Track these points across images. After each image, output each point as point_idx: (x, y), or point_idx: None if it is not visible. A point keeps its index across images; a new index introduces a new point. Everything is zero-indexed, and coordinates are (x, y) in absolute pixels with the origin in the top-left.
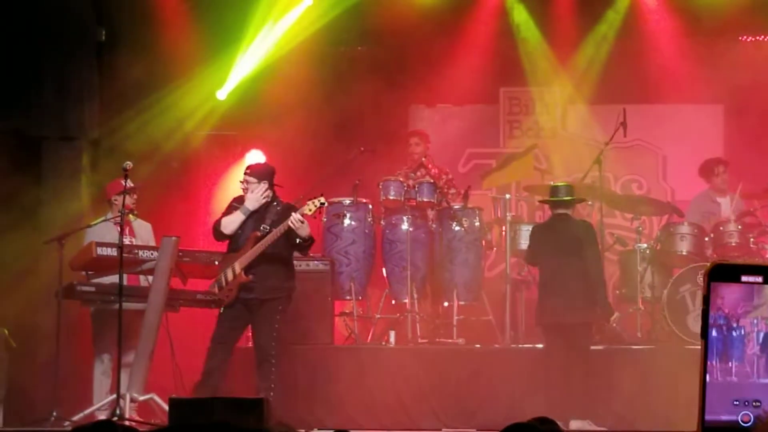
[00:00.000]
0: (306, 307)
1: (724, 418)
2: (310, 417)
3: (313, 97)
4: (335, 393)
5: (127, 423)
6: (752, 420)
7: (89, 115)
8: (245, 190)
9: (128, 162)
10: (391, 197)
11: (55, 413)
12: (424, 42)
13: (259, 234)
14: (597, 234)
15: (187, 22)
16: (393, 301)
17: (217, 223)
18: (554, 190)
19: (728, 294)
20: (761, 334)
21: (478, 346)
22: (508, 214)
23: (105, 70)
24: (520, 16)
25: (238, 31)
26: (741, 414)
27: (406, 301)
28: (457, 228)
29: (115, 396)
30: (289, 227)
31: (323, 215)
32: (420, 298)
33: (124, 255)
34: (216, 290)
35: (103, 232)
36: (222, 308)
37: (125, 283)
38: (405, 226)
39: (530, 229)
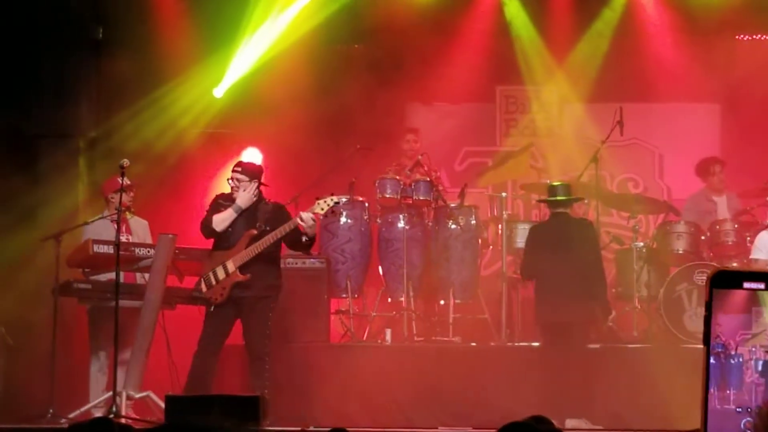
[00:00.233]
0: (302, 305)
1: None
2: (305, 415)
3: (310, 95)
4: (331, 391)
5: (123, 420)
6: None
7: (86, 113)
8: (235, 187)
9: (125, 159)
10: (388, 195)
11: (51, 410)
12: (421, 40)
13: (255, 232)
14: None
15: (184, 20)
16: (389, 299)
17: (207, 220)
18: (552, 189)
19: (726, 322)
20: (759, 362)
21: (474, 344)
22: (504, 212)
23: (102, 68)
24: (516, 14)
25: (234, 29)
26: None
27: (402, 299)
28: (453, 226)
29: (111, 393)
30: (296, 226)
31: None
32: (416, 297)
33: (121, 252)
34: (203, 289)
35: (99, 230)
36: (212, 307)
37: (122, 280)
38: (401, 224)
39: (526, 227)
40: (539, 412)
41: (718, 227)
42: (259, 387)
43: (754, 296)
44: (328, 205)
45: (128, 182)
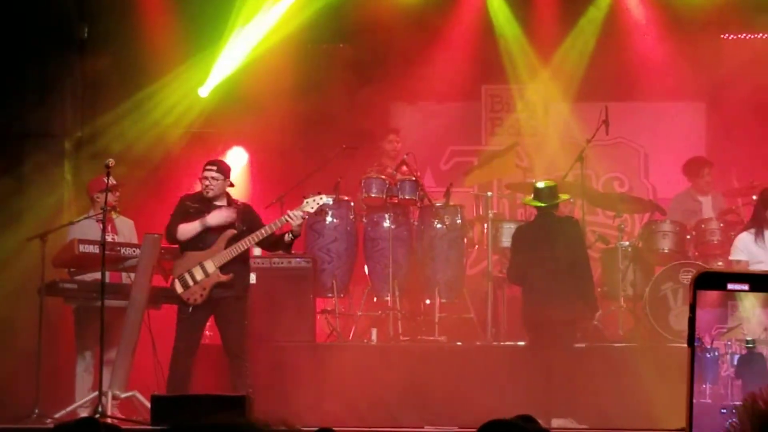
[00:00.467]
0: (288, 305)
1: None
2: (291, 415)
3: (295, 95)
4: (317, 390)
5: (109, 420)
6: None
7: (71, 112)
8: (208, 186)
9: (110, 159)
10: (373, 195)
11: (37, 410)
12: (406, 39)
13: (235, 232)
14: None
15: (169, 19)
16: (375, 299)
17: (173, 228)
18: (537, 190)
19: (702, 316)
20: (735, 356)
21: (459, 343)
22: (489, 211)
23: (87, 67)
24: (501, 13)
25: (220, 29)
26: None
27: (388, 298)
28: (438, 225)
29: (97, 393)
30: (282, 225)
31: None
32: (402, 296)
33: (107, 252)
34: (179, 290)
35: (85, 229)
36: (189, 308)
37: (107, 280)
38: (387, 224)
39: (512, 226)
40: (525, 412)
41: (703, 226)
42: (242, 386)
43: (729, 290)
44: (317, 203)
45: (114, 182)
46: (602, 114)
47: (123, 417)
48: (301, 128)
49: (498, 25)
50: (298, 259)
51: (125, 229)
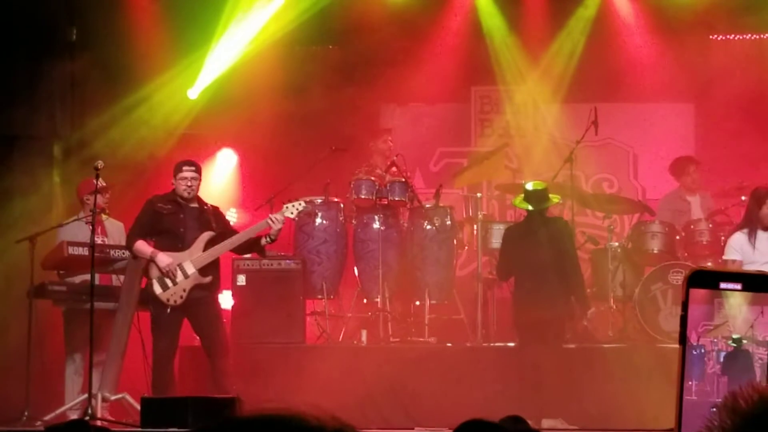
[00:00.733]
0: (277, 306)
1: None
2: None
3: (285, 97)
4: (307, 392)
5: (99, 422)
6: None
7: (60, 114)
8: (191, 186)
9: (99, 161)
10: (363, 196)
11: (26, 413)
12: (395, 41)
13: (213, 234)
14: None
15: (158, 21)
16: (365, 300)
17: (135, 239)
18: (527, 192)
19: (689, 313)
20: (722, 354)
21: (449, 345)
22: (479, 212)
23: (76, 70)
24: (490, 15)
25: (209, 31)
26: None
27: (378, 300)
28: (428, 227)
29: (87, 395)
30: (262, 229)
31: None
32: (392, 297)
33: (96, 254)
34: (158, 290)
35: (74, 232)
36: (168, 309)
37: (97, 282)
38: (377, 225)
39: (502, 227)
40: (515, 412)
41: (692, 227)
42: (228, 386)
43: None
44: (297, 209)
45: (103, 184)
46: (591, 115)
47: (113, 419)
48: (290, 130)
49: (487, 27)
50: (287, 261)
51: (115, 231)
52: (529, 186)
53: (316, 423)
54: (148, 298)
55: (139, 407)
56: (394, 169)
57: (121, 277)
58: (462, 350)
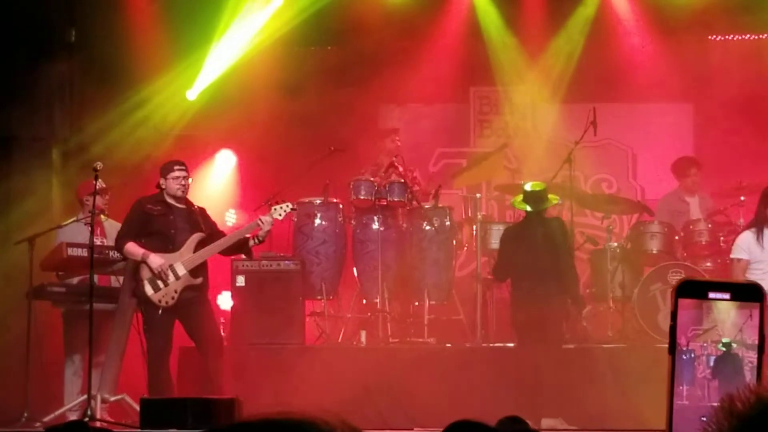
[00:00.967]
0: (277, 307)
1: None
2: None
3: (283, 97)
4: (306, 393)
5: (98, 423)
6: None
7: (59, 115)
8: (184, 186)
9: (99, 162)
10: (362, 197)
11: (26, 414)
12: (394, 41)
13: (204, 235)
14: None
15: (157, 23)
16: (364, 301)
17: (125, 240)
18: (526, 193)
19: (678, 317)
20: (711, 358)
21: (449, 345)
22: (478, 213)
23: (75, 71)
24: (489, 15)
25: (208, 32)
26: None
27: (377, 300)
28: (427, 227)
29: (86, 396)
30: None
31: (294, 216)
32: (391, 298)
33: (95, 255)
34: (149, 292)
35: (74, 233)
36: (159, 311)
37: (96, 283)
38: (376, 226)
39: (501, 228)
40: (515, 413)
41: (691, 227)
42: (222, 385)
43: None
44: (284, 211)
45: (102, 185)
46: (590, 115)
47: (112, 420)
48: (289, 131)
49: (485, 27)
50: (286, 262)
51: (113, 232)
52: (528, 187)
53: (326, 427)
54: (139, 300)
55: (138, 408)
56: (400, 169)
57: (120, 278)
58: (461, 351)
